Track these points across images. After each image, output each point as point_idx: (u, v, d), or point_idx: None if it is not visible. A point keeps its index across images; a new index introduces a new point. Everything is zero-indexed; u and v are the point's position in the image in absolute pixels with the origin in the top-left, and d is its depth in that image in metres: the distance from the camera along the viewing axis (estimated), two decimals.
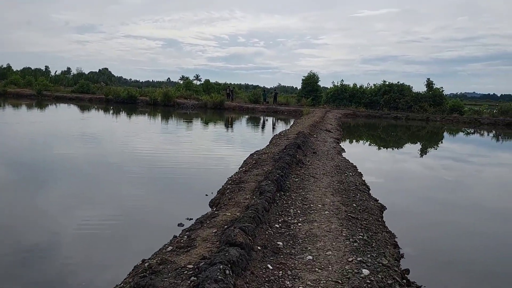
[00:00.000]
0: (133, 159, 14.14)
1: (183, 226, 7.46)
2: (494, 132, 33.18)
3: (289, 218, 6.44)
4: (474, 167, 16.47)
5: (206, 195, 9.14)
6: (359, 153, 17.93)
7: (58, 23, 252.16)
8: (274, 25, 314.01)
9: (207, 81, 54.59)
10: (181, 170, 12.73)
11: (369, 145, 22.13)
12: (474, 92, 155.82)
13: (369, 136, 26.27)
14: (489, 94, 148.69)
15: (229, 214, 6.04)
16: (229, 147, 17.88)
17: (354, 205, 7.69)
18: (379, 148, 21.07)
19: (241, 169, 10.26)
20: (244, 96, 47.62)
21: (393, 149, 21.44)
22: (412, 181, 12.95)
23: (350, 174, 10.92)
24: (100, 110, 36.47)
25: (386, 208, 8.41)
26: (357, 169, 12.21)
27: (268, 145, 15.03)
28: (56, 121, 25.75)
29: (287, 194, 7.78)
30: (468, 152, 20.62)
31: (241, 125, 30.13)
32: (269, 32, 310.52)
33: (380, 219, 7.33)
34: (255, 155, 12.14)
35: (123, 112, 35.70)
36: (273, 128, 28.07)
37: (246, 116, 37.45)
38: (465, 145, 23.88)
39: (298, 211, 6.84)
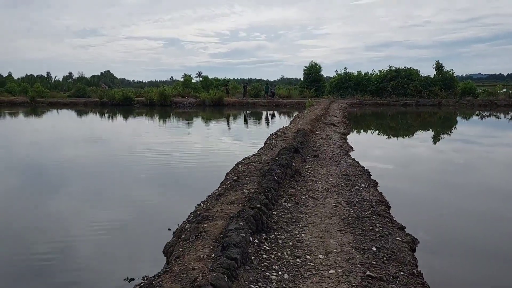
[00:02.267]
0: (114, 168, 11.97)
1: None
2: (511, 114, 30.25)
3: None
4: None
5: (169, 229, 6.54)
6: (369, 149, 15.14)
7: (59, 28, 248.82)
8: (274, 18, 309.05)
9: (205, 77, 51.67)
10: (158, 184, 10.18)
11: (379, 136, 19.30)
12: (480, 73, 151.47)
13: (379, 127, 23.43)
14: (495, 74, 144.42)
15: None
16: (224, 149, 15.20)
17: (374, 248, 4.96)
18: (388, 138, 18.34)
19: (217, 189, 7.55)
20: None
21: (404, 137, 18.70)
22: (441, 185, 10.18)
23: (363, 185, 8.20)
24: (91, 114, 33.96)
25: (418, 242, 5.70)
26: (370, 176, 9.49)
27: (261, 148, 12.33)
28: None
29: (272, 236, 5.08)
30: (495, 138, 17.81)
31: (241, 122, 27.37)
32: (269, 25, 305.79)
33: (415, 271, 4.63)
34: (240, 165, 9.44)
35: (118, 115, 33.17)
36: (269, 122, 25.38)
37: (248, 112, 34.80)
38: (488, 131, 20.94)
39: (285, 276, 4.12)
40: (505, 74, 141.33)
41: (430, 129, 22.27)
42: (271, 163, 8.81)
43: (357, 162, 10.94)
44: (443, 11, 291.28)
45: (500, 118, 28.58)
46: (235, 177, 8.03)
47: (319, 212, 6.18)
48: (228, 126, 25.52)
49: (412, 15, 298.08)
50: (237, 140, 18.03)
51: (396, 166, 12.40)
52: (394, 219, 6.55)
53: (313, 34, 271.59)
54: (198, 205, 6.66)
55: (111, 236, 6.95)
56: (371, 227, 5.69)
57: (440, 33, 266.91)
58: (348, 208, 6.44)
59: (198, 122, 27.95)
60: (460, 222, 7.48)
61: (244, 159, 10.24)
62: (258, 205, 5.50)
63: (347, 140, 15.54)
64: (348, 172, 9.33)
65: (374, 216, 6.19)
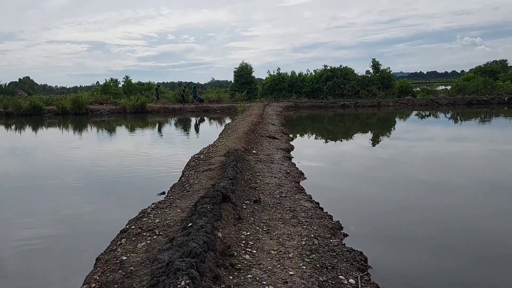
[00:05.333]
0: None
1: None
2: (451, 113, 27.83)
3: None
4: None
5: None
6: (322, 172, 11.24)
7: None
8: (203, 20, 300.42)
9: (128, 81, 46.00)
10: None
11: (322, 144, 15.50)
12: (401, 71, 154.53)
13: (321, 134, 19.71)
14: (416, 72, 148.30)
15: None
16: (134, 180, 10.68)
17: None
18: (329, 145, 14.55)
19: None
20: (171, 95, 39.89)
21: (341, 140, 14.98)
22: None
23: (351, 282, 4.18)
24: None
25: None
26: (344, 236, 5.55)
27: (174, 186, 8.05)
28: None
29: None
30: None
31: (167, 134, 22.62)
32: (198, 27, 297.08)
33: None
34: (124, 238, 5.12)
35: (27, 126, 27.53)
36: (199, 130, 21.10)
37: (174, 119, 30.19)
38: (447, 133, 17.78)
39: None
40: (425, 72, 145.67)
41: (381, 135, 18.82)
42: (177, 239, 4.57)
43: (319, 207, 6.96)
44: (366, 13, 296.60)
45: (438, 116, 26.20)
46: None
47: None
48: (160, 134, 21.81)
49: (337, 16, 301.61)
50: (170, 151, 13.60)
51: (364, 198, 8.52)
52: None
53: (242, 36, 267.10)
54: None
55: None
56: None
57: (363, 34, 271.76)
58: None
59: (120, 132, 22.92)
60: None
61: (139, 219, 5.90)
62: None
63: (292, 159, 11.61)
64: (316, 240, 5.27)
65: None
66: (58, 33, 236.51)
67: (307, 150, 14.71)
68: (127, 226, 5.62)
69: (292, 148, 13.66)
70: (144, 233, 5.16)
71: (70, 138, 20.30)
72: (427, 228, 6.67)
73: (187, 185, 7.64)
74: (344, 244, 5.34)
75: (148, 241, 4.86)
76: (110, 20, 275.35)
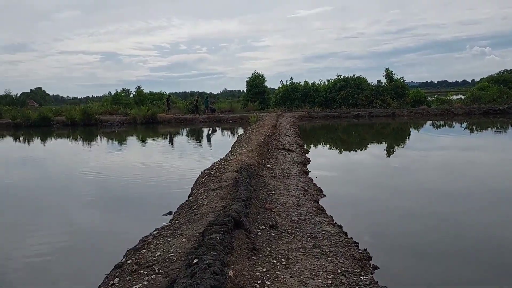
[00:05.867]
0: None
1: None
2: (467, 123, 26.77)
3: None
4: None
5: None
6: (341, 189, 10.36)
7: None
8: (214, 30, 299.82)
9: (140, 91, 45.57)
10: None
11: (340, 158, 14.62)
12: (412, 81, 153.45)
13: (338, 146, 18.82)
14: (426, 81, 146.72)
15: None
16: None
17: None
18: (357, 165, 13.65)
19: None
20: (182, 105, 39.21)
21: (360, 151, 14.07)
22: None
23: None
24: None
25: None
26: (377, 282, 4.64)
27: (181, 207, 7.25)
28: None
29: None
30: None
31: (178, 145, 21.86)
32: (210, 37, 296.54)
33: None
34: (118, 276, 4.32)
35: (36, 138, 26.92)
36: (211, 141, 20.37)
37: (186, 129, 29.48)
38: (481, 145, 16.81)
39: None
40: (436, 82, 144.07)
41: (400, 146, 17.88)
42: (179, 281, 3.77)
43: (343, 232, 6.11)
44: (375, 23, 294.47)
45: (453, 126, 25.26)
46: None
47: None
48: (171, 145, 21.33)
49: (346, 27, 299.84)
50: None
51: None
52: None
53: (253, 46, 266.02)
54: None
55: None
56: None
57: (373, 44, 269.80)
58: None
59: (130, 144, 22.14)
60: None
61: (137, 250, 5.10)
62: None
63: (309, 174, 10.76)
64: (344, 278, 4.40)
65: None
66: (69, 44, 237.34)
67: (324, 162, 13.83)
68: (123, 260, 4.82)
69: (308, 161, 12.79)
70: (142, 271, 4.34)
71: (78, 150, 19.69)
72: (464, 252, 5.83)
73: (195, 206, 6.83)
74: (377, 282, 4.47)
75: (145, 283, 4.05)
76: (122, 31, 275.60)
